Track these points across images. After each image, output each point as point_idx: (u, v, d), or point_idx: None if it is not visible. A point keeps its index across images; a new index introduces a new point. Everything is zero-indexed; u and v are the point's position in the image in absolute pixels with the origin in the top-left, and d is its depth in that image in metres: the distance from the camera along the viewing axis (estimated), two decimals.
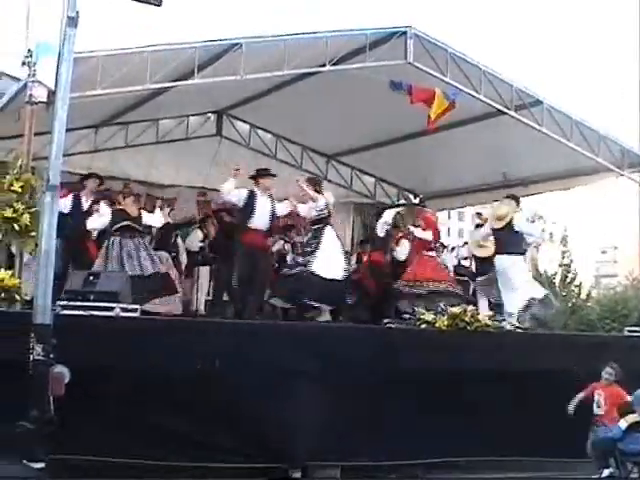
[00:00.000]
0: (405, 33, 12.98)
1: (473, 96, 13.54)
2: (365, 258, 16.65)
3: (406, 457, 10.89)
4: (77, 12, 8.82)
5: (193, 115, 17.63)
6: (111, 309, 9.82)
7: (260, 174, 13.04)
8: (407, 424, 10.79)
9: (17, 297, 9.74)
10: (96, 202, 12.97)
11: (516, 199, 13.77)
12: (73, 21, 8.76)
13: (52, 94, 9.55)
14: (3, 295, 9.55)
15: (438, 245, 15.40)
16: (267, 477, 10.08)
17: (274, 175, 13.28)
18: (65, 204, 12.27)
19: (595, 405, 10.96)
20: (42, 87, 10.37)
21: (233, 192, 12.65)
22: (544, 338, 13.17)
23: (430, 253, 14.70)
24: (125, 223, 12.63)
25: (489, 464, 11.09)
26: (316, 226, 13.15)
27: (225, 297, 14.51)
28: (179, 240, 15.69)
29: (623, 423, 10.75)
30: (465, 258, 16.67)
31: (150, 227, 13.81)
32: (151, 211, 13.57)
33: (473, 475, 11.20)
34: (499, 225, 13.53)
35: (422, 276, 14.22)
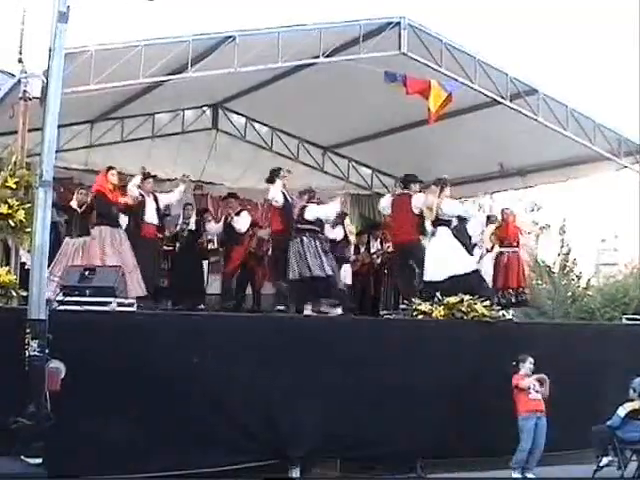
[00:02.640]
0: (399, 23, 12.94)
1: (468, 86, 13.50)
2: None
3: (406, 453, 10.92)
4: (68, 7, 8.78)
5: (188, 109, 17.60)
6: (107, 304, 9.83)
7: None
8: (408, 419, 10.79)
9: (14, 293, 9.75)
10: None
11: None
12: (64, 16, 8.73)
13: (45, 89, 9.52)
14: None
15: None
16: (266, 473, 10.08)
17: None
18: None
19: (534, 392, 10.86)
20: (36, 82, 10.35)
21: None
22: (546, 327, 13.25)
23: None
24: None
25: (489, 460, 11.09)
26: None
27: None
28: None
29: (622, 411, 10.77)
30: None
31: None
32: None
33: (474, 471, 11.20)
34: None
35: None
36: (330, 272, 12.72)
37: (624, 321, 14.25)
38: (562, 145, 15.19)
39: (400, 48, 12.92)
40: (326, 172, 19.33)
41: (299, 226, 12.93)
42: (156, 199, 13.94)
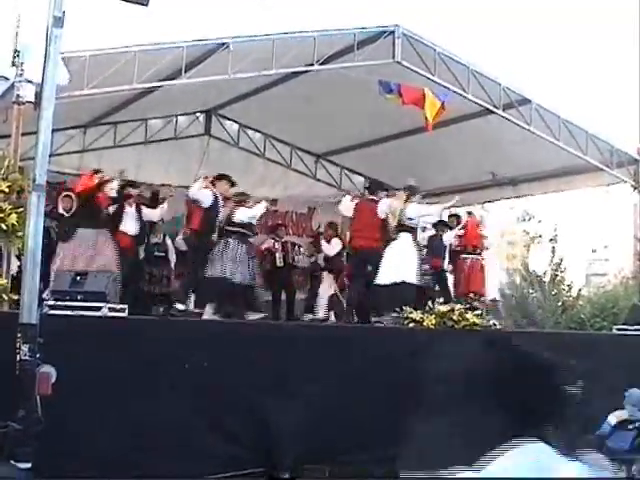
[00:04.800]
0: (393, 32, 12.99)
1: (461, 95, 13.54)
2: None
3: (393, 459, 10.89)
4: (63, 12, 8.75)
5: (182, 115, 17.64)
6: (99, 309, 9.81)
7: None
8: (396, 425, 10.78)
9: (4, 297, 9.73)
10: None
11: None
12: (59, 21, 8.69)
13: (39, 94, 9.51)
14: None
15: None
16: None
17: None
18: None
19: None
20: (30, 87, 10.35)
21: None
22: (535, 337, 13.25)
23: None
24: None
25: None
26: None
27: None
28: (168, 240, 15.68)
29: (612, 419, 10.75)
30: None
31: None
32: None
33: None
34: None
35: None
36: (247, 280, 12.68)
37: (615, 331, 14.25)
38: (554, 155, 15.25)
39: (394, 57, 12.96)
40: (319, 179, 19.37)
41: (227, 228, 12.87)
42: (139, 210, 14.04)
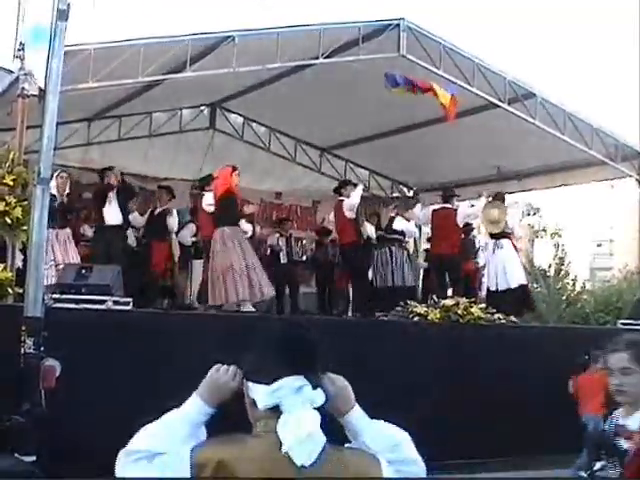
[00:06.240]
0: (398, 25, 12.95)
1: (466, 89, 13.50)
2: None
3: None
4: (68, 5, 8.75)
5: (186, 108, 17.61)
6: (103, 302, 9.80)
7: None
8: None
9: (9, 290, 9.73)
10: None
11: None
12: (64, 14, 8.69)
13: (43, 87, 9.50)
14: None
15: None
16: None
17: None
18: None
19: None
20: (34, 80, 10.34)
21: None
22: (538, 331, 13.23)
23: None
24: None
25: (488, 464, 11.04)
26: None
27: None
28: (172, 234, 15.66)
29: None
30: None
31: None
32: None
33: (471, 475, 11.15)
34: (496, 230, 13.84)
35: None
36: (410, 282, 13.43)
37: (619, 325, 14.23)
38: (559, 149, 15.21)
39: (399, 50, 12.91)
40: (323, 173, 19.33)
41: (386, 235, 13.31)
42: None
